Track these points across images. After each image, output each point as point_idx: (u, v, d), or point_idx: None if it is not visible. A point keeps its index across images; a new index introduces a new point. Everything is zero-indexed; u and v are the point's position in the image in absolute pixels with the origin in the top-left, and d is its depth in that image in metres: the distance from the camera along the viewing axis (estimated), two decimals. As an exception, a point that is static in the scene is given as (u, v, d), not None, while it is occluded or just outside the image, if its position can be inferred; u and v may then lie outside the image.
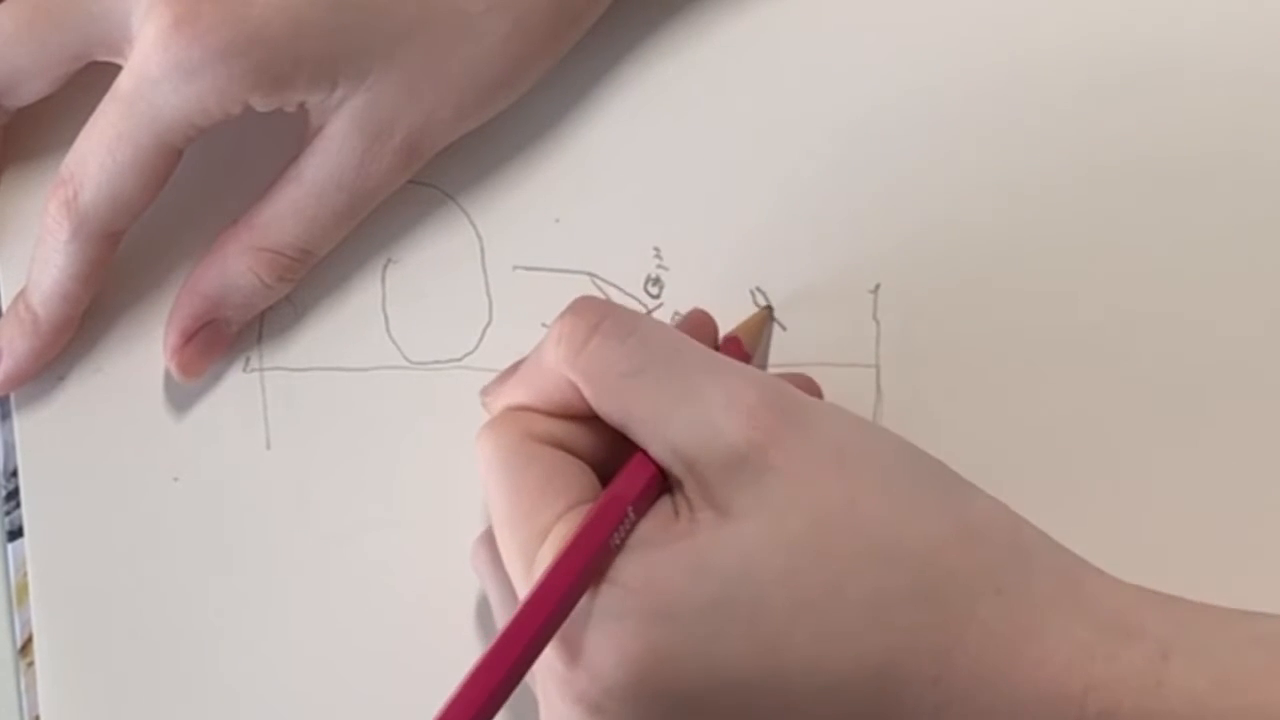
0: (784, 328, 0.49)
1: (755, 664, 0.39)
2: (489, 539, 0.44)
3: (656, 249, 0.49)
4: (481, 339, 0.49)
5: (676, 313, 0.49)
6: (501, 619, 0.44)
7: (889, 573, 0.39)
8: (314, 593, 0.48)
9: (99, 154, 0.45)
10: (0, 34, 0.46)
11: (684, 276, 0.49)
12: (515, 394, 0.43)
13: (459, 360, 0.49)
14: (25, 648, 0.49)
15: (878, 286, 0.49)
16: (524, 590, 0.40)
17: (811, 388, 0.47)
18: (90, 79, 0.46)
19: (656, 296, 0.49)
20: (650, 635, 0.38)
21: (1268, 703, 0.38)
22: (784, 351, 0.49)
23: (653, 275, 0.49)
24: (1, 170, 0.49)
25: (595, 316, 0.41)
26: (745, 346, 0.47)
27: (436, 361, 0.49)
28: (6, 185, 0.49)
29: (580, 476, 0.41)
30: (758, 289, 0.49)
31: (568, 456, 0.42)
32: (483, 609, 0.48)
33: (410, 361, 0.49)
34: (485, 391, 0.45)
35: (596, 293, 0.49)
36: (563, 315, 0.42)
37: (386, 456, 0.49)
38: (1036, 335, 0.48)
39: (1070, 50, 0.49)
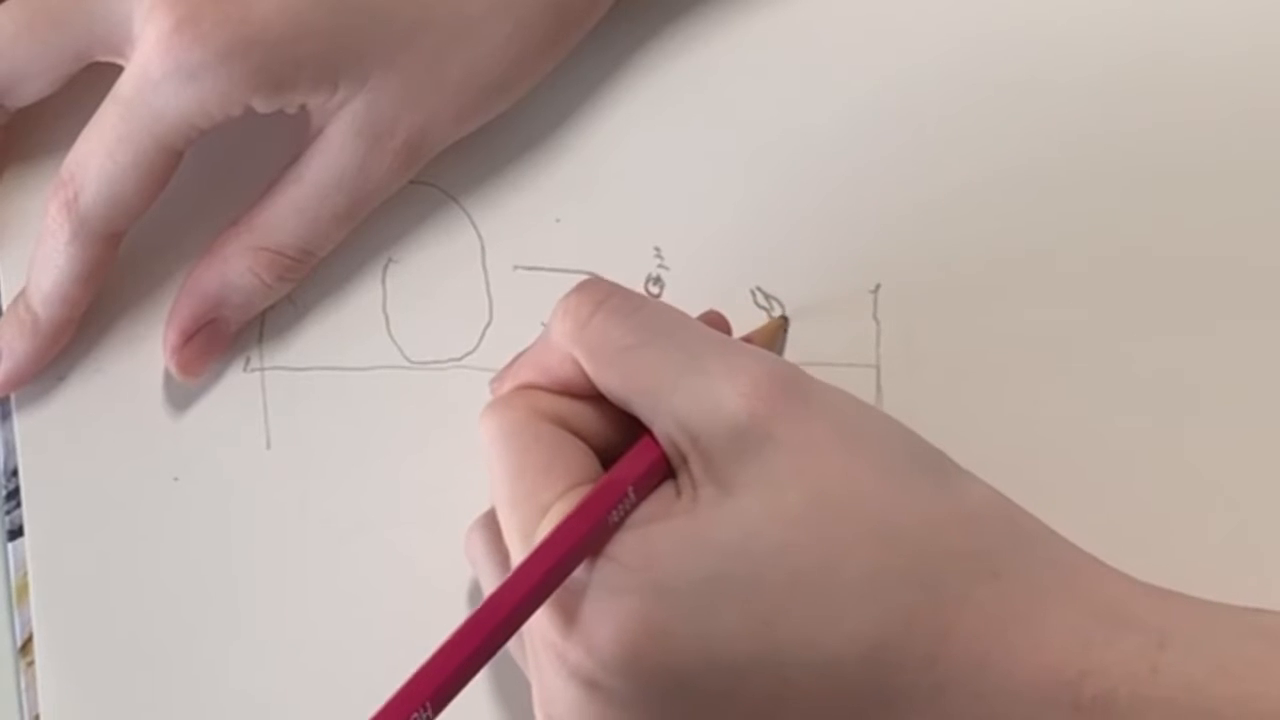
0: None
1: (750, 641, 0.39)
2: (483, 526, 0.44)
3: (656, 249, 0.49)
4: (482, 339, 0.49)
5: (677, 312, 0.49)
6: None
7: (885, 552, 0.39)
8: (314, 592, 0.48)
9: (99, 155, 0.45)
10: (1, 34, 0.46)
11: (684, 276, 0.49)
12: (521, 374, 0.44)
13: (459, 360, 0.49)
14: (25, 647, 0.49)
15: (878, 286, 0.49)
16: None
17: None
18: (91, 79, 0.46)
19: (657, 296, 0.49)
20: (647, 610, 0.38)
21: (1265, 692, 0.38)
22: (785, 351, 0.49)
23: (653, 275, 0.49)
24: (2, 171, 0.49)
25: (601, 294, 0.42)
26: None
27: (437, 361, 0.49)
28: (7, 186, 0.49)
29: (584, 459, 0.42)
30: (758, 289, 0.49)
31: (572, 438, 0.42)
32: (482, 607, 0.48)
33: (410, 361, 0.49)
34: (494, 380, 0.45)
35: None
36: (569, 293, 0.42)
37: (387, 456, 0.49)
38: (1037, 335, 0.48)
39: (1072, 51, 0.49)
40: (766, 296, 0.49)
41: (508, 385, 0.44)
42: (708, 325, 0.45)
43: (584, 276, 0.49)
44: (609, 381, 0.42)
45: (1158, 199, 0.49)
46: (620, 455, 0.42)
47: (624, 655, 0.38)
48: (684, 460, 0.41)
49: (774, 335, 0.48)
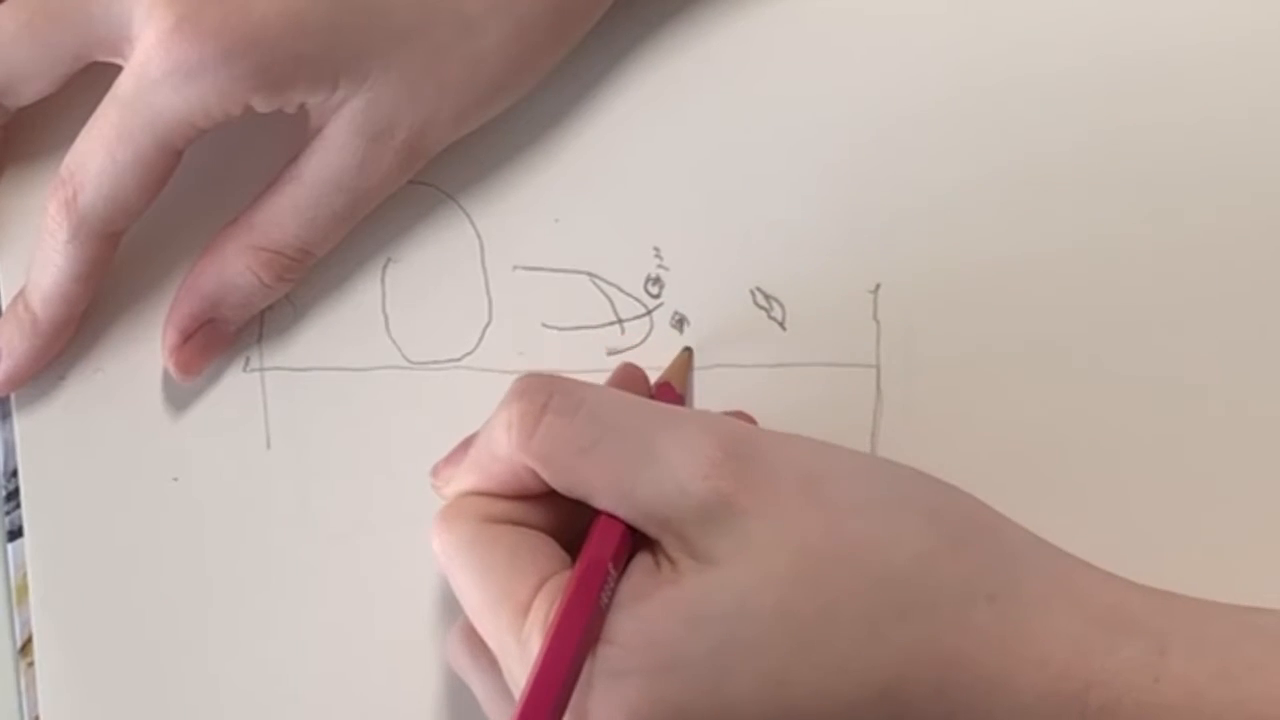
0: (784, 328, 0.49)
1: (764, 701, 0.39)
2: (462, 635, 0.44)
3: (656, 249, 0.49)
4: (481, 339, 0.49)
5: (676, 312, 0.49)
6: (492, 710, 0.44)
7: (879, 591, 0.39)
8: (313, 592, 0.49)
9: (99, 155, 0.45)
10: (0, 34, 0.46)
11: (684, 276, 0.49)
12: (468, 480, 0.43)
13: (459, 360, 0.49)
14: (25, 648, 0.49)
15: (878, 286, 0.49)
16: (520, 666, 0.40)
17: (748, 420, 0.47)
18: (90, 79, 0.46)
19: (656, 296, 0.49)
20: (657, 690, 0.38)
21: (1265, 694, 0.38)
22: (784, 351, 0.49)
23: (653, 275, 0.49)
24: (1, 170, 0.49)
25: (542, 395, 0.41)
26: (677, 390, 0.47)
27: (436, 361, 0.49)
28: (6, 185, 0.49)
29: (547, 548, 0.42)
30: (758, 289, 0.49)
31: (529, 531, 0.42)
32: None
33: (410, 361, 0.49)
34: (435, 473, 0.45)
35: (596, 293, 0.49)
36: (509, 401, 0.42)
37: (386, 456, 0.49)
38: (1036, 335, 0.48)
39: (1072, 53, 0.49)
40: (766, 296, 0.49)
41: (452, 489, 0.44)
42: (625, 380, 0.46)
43: (583, 276, 0.49)
44: (569, 485, 0.41)
45: (1158, 200, 0.49)
46: (576, 535, 0.41)
47: None
48: (656, 542, 0.41)
49: (684, 369, 0.48)
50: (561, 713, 0.38)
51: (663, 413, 0.42)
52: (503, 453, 0.42)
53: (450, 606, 0.48)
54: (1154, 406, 0.48)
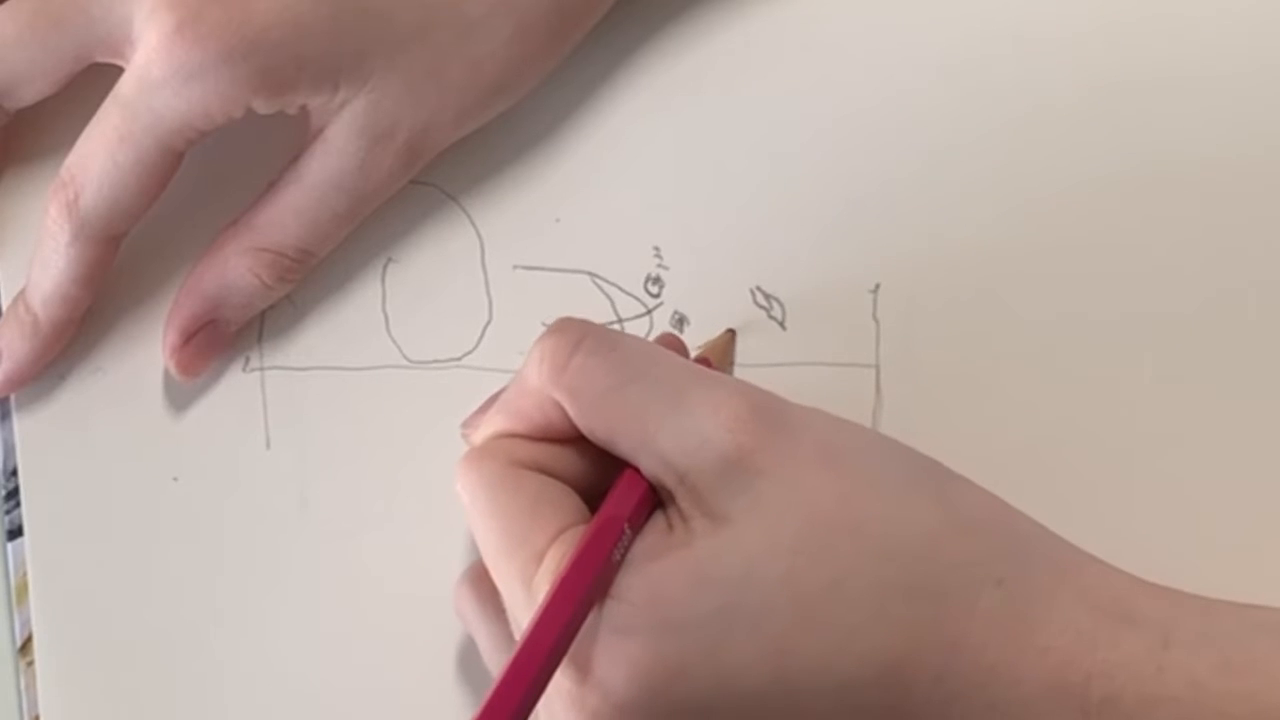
0: (784, 328, 0.49)
1: (764, 669, 0.39)
2: (472, 581, 0.44)
3: (656, 249, 0.49)
4: (481, 338, 0.49)
5: (676, 312, 0.49)
6: (493, 660, 0.44)
7: (887, 568, 0.39)
8: (314, 593, 0.48)
9: (100, 157, 0.45)
10: (1, 35, 0.46)
11: (684, 276, 0.49)
12: (496, 421, 0.43)
13: (459, 360, 0.49)
14: (25, 648, 0.49)
15: (878, 286, 0.49)
16: (526, 614, 0.40)
17: None
18: (91, 80, 0.46)
19: (656, 296, 0.49)
20: (659, 648, 0.39)
21: (1269, 688, 0.38)
22: (784, 351, 0.49)
23: (653, 275, 0.49)
24: (2, 171, 0.49)
25: (577, 334, 0.42)
26: (715, 366, 0.47)
27: (436, 361, 0.49)
28: (7, 186, 0.49)
29: (568, 500, 0.42)
30: (758, 289, 0.49)
31: (553, 481, 0.42)
32: (482, 607, 0.48)
33: (410, 361, 0.49)
34: (465, 424, 0.45)
35: (596, 292, 0.49)
36: (543, 336, 0.42)
37: (386, 456, 0.49)
38: (1036, 335, 0.48)
39: (1072, 53, 0.49)
40: (766, 296, 0.49)
41: (481, 434, 0.44)
42: (667, 348, 0.45)
43: (584, 276, 0.49)
44: (593, 423, 0.41)
45: (1159, 200, 0.49)
46: (601, 492, 0.42)
47: (641, 696, 0.38)
48: (671, 496, 0.41)
49: (726, 349, 0.48)
50: (559, 658, 0.38)
51: (695, 370, 0.42)
52: (533, 385, 0.42)
53: (450, 605, 0.48)
54: (1154, 405, 0.48)
